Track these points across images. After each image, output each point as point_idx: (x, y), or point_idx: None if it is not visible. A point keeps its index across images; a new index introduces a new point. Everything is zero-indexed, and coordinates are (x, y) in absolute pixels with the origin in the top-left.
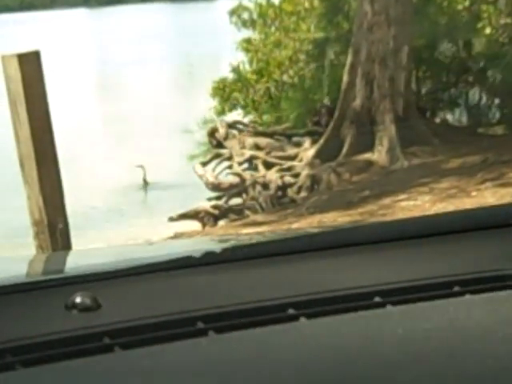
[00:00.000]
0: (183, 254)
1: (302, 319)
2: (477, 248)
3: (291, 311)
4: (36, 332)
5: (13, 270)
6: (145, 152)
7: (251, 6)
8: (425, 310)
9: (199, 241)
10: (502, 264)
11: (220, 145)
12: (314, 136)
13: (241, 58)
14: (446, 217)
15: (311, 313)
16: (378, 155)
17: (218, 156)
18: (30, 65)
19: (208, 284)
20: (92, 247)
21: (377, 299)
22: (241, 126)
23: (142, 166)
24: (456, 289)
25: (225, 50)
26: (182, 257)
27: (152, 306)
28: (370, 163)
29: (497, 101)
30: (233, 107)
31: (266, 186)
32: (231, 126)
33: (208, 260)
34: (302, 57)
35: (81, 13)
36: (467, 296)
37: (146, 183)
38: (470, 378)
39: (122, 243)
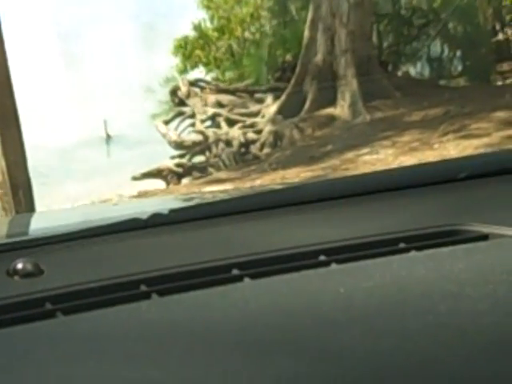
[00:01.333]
0: (128, 215)
1: (246, 279)
2: (424, 204)
3: (235, 272)
4: None
5: None
6: (106, 112)
7: None
8: (368, 268)
9: (162, 200)
10: (449, 219)
11: (182, 103)
12: (277, 92)
13: (202, 16)
14: (392, 173)
15: (255, 273)
16: (341, 110)
17: (180, 114)
18: None
19: (153, 247)
20: (53, 209)
21: (321, 258)
22: (203, 84)
23: (105, 121)
24: (401, 245)
25: (185, 8)
26: (128, 219)
27: (95, 270)
28: (332, 118)
29: (458, 53)
30: (195, 65)
31: (229, 143)
32: (193, 83)
33: (154, 222)
34: (264, 13)
35: None
36: (412, 253)
37: (108, 137)
38: (410, 334)
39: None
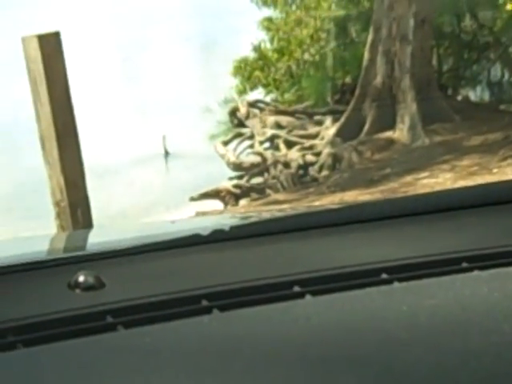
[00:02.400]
0: (189, 231)
1: (308, 296)
2: (486, 224)
3: (297, 288)
4: (38, 311)
5: (27, 250)
6: (165, 131)
7: None
8: (431, 287)
9: (220, 218)
10: (511, 239)
11: (241, 124)
12: (336, 114)
13: (262, 37)
14: (455, 192)
15: (317, 290)
16: (400, 133)
17: (239, 135)
18: (50, 45)
19: (214, 262)
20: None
21: (384, 276)
22: (262, 105)
23: (163, 137)
24: (464, 265)
25: (245, 29)
26: (190, 235)
27: (156, 284)
28: (391, 141)
29: None
30: (254, 86)
31: (287, 164)
32: (252, 104)
33: (215, 238)
34: (323, 35)
35: None
36: (475, 272)
37: (167, 154)
38: (474, 353)
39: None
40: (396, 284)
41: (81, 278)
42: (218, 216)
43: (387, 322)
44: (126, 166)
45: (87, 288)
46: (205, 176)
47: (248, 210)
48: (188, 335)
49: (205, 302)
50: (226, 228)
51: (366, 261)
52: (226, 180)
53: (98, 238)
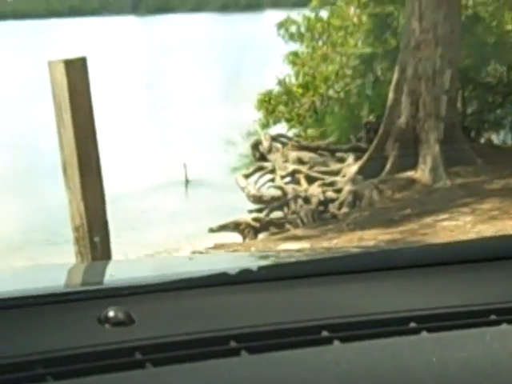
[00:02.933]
0: (218, 270)
1: (336, 342)
2: None
3: (325, 334)
4: (68, 344)
5: (49, 279)
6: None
7: (299, 19)
8: (460, 338)
9: (238, 256)
10: None
11: (263, 157)
12: (358, 152)
13: (287, 71)
14: (485, 243)
15: (345, 336)
16: (421, 173)
17: (260, 169)
18: (76, 71)
19: (242, 302)
20: (130, 258)
21: (412, 325)
22: (284, 140)
23: (184, 165)
24: (492, 317)
25: (271, 62)
26: (218, 273)
27: (185, 322)
28: (412, 181)
29: None
30: (277, 120)
31: (307, 200)
32: (275, 138)
33: (243, 278)
34: (349, 72)
35: (129, 20)
36: (504, 325)
37: (187, 182)
38: None
39: (161, 255)
40: (424, 334)
41: (111, 313)
42: (239, 254)
43: (416, 372)
44: (145, 193)
45: (117, 323)
46: (223, 206)
47: (266, 247)
48: (216, 376)
49: (233, 344)
50: (254, 268)
51: (394, 309)
52: (245, 212)
53: (125, 271)
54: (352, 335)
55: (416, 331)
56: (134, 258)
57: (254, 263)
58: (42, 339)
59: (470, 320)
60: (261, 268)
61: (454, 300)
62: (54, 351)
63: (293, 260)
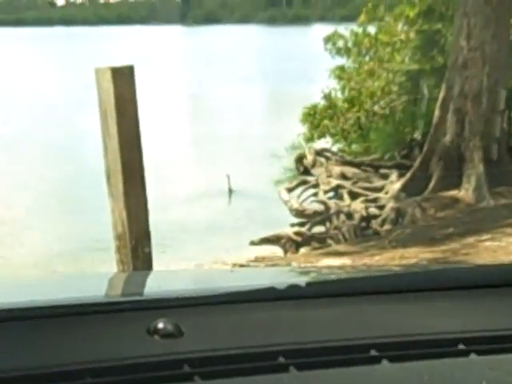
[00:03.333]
0: (266, 285)
1: (384, 362)
2: None
3: (374, 353)
4: (117, 355)
5: (92, 288)
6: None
7: (347, 33)
8: (510, 362)
9: (281, 271)
10: None
11: (307, 171)
12: (402, 169)
13: (332, 86)
14: None
15: (394, 356)
16: (465, 193)
17: (304, 183)
18: (123, 79)
19: (291, 318)
20: (172, 270)
21: (461, 347)
22: (328, 154)
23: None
24: None
25: (317, 76)
26: (266, 288)
27: (233, 336)
28: (455, 200)
29: None
30: (322, 134)
31: (350, 215)
32: (319, 153)
33: (292, 293)
34: (395, 88)
35: (176, 30)
36: None
37: (230, 192)
38: None
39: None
40: (473, 356)
41: (160, 325)
42: (279, 268)
43: None
44: (188, 202)
45: (166, 335)
46: (265, 219)
47: (307, 265)
48: None
49: (281, 359)
50: (303, 284)
51: (443, 330)
52: (287, 225)
53: (170, 282)
54: (400, 355)
55: (464, 353)
56: (175, 269)
57: (297, 278)
58: (92, 349)
59: None
60: (309, 284)
61: (504, 323)
62: (103, 361)
63: (340, 277)
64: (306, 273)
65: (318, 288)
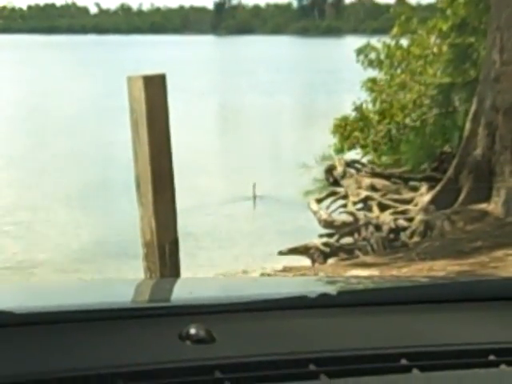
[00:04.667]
0: (297, 293)
1: (415, 371)
2: None
3: (404, 362)
4: (149, 359)
5: (122, 294)
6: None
7: (379, 46)
8: None
9: (309, 280)
10: None
11: (336, 182)
12: (431, 182)
13: (364, 98)
14: None
15: (425, 365)
16: (494, 206)
17: (333, 194)
18: (155, 87)
19: (322, 326)
20: (200, 277)
21: (491, 358)
22: (358, 166)
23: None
24: None
25: (349, 88)
26: (297, 296)
27: (265, 343)
28: (485, 213)
29: None
30: (352, 146)
31: (378, 227)
32: (349, 164)
33: (323, 302)
34: (426, 101)
35: (209, 40)
36: None
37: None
38: None
39: (231, 274)
40: (503, 367)
41: (192, 331)
42: (305, 278)
43: None
44: (218, 208)
45: (198, 341)
46: (294, 229)
47: (335, 272)
48: None
49: (312, 367)
50: (333, 293)
51: (473, 340)
52: (315, 236)
53: (199, 289)
54: (431, 365)
55: (495, 364)
56: (202, 276)
57: (326, 287)
58: (125, 353)
59: None
60: (339, 293)
61: None
62: (135, 365)
63: (370, 287)
64: (334, 282)
65: (349, 297)
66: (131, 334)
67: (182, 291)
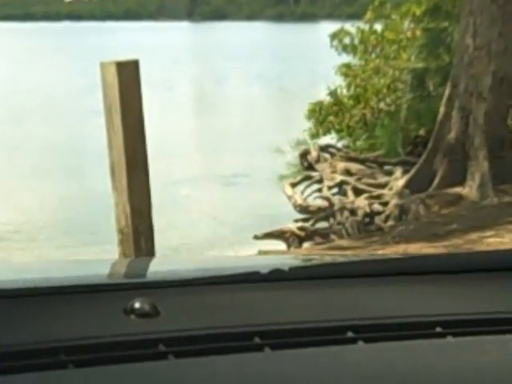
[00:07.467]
0: (249, 268)
1: (360, 343)
2: None
3: (350, 334)
4: (92, 333)
5: (83, 273)
6: (233, 166)
7: (353, 31)
8: (484, 344)
9: (273, 258)
10: None
11: (311, 167)
12: (406, 166)
13: (338, 83)
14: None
15: (370, 337)
16: (469, 190)
17: (308, 178)
18: (128, 73)
19: (270, 301)
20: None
21: (438, 329)
22: (333, 150)
23: None
24: None
25: (322, 73)
26: (247, 272)
27: (211, 317)
28: (459, 197)
29: None
30: (327, 131)
31: (353, 212)
32: (323, 149)
33: (272, 277)
34: (401, 86)
35: (184, 26)
36: None
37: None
38: None
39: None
40: (450, 338)
41: (137, 305)
42: (279, 256)
43: (439, 375)
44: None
45: (142, 315)
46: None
47: (310, 253)
48: (237, 370)
49: (257, 340)
50: (285, 268)
51: (421, 313)
52: (290, 221)
53: (158, 266)
54: (377, 336)
55: (441, 336)
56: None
57: (282, 262)
58: (68, 328)
59: (497, 327)
60: (291, 268)
61: (481, 307)
62: (78, 339)
63: (323, 262)
64: (294, 258)
65: (300, 272)
66: (76, 309)
67: (136, 268)
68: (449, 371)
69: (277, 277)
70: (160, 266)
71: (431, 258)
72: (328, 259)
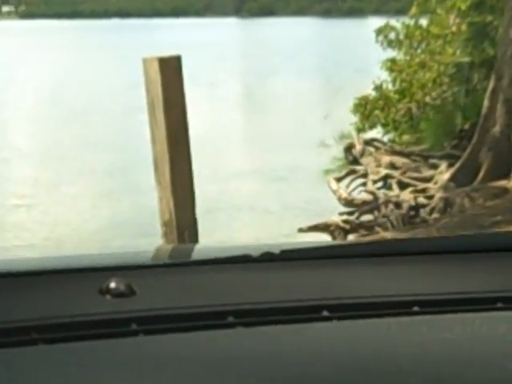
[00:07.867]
0: (227, 252)
1: (335, 321)
2: None
3: (326, 313)
4: (66, 312)
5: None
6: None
7: (398, 26)
8: (452, 322)
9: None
10: None
11: (356, 161)
12: (451, 159)
13: (384, 77)
14: (493, 235)
15: (346, 316)
16: None
17: (353, 172)
18: (170, 68)
19: (246, 281)
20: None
21: (415, 309)
22: (378, 144)
23: None
24: (499, 305)
25: (368, 68)
26: (222, 255)
27: (186, 297)
28: (504, 190)
29: None
30: (373, 125)
31: (398, 205)
32: (368, 143)
33: (249, 259)
34: (446, 80)
35: (231, 22)
36: (495, 312)
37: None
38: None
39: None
40: (422, 317)
41: (112, 285)
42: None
43: (403, 349)
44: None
45: (118, 295)
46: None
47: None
48: (206, 346)
49: (231, 319)
50: (263, 251)
51: (400, 293)
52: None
53: (142, 248)
54: (353, 315)
55: (418, 314)
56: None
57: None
58: (42, 307)
59: (471, 306)
60: (268, 251)
61: (460, 287)
62: (50, 318)
63: (300, 245)
64: (291, 244)
65: (278, 254)
66: (52, 289)
67: (120, 249)
68: (412, 346)
69: (254, 259)
70: (143, 247)
71: (411, 241)
72: (307, 243)
